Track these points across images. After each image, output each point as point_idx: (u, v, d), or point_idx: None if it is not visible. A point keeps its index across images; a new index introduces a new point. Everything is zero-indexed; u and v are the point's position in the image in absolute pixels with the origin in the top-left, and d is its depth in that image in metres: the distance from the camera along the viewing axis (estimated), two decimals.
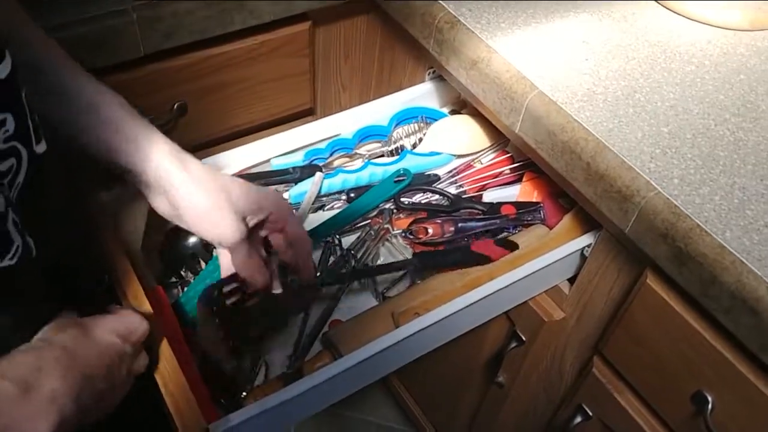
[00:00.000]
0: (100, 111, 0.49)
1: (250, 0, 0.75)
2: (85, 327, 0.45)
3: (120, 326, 0.47)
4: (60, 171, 0.50)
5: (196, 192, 0.50)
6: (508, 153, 0.83)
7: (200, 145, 0.85)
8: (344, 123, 0.81)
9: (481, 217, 0.74)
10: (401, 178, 0.76)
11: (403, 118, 0.84)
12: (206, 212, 0.51)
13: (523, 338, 0.79)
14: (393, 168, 0.77)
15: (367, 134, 0.82)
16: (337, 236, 0.73)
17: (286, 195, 0.75)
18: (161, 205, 0.52)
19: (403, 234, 0.74)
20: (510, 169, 0.82)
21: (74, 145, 0.50)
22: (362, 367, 0.59)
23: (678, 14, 0.78)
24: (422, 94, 0.87)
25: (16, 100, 0.40)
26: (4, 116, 0.39)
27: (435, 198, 0.77)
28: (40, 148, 0.43)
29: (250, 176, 0.73)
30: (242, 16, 0.75)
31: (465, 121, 0.84)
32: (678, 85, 0.69)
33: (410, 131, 0.84)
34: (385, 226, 0.74)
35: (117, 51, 0.70)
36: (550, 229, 0.72)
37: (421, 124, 0.84)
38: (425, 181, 0.79)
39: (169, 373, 0.51)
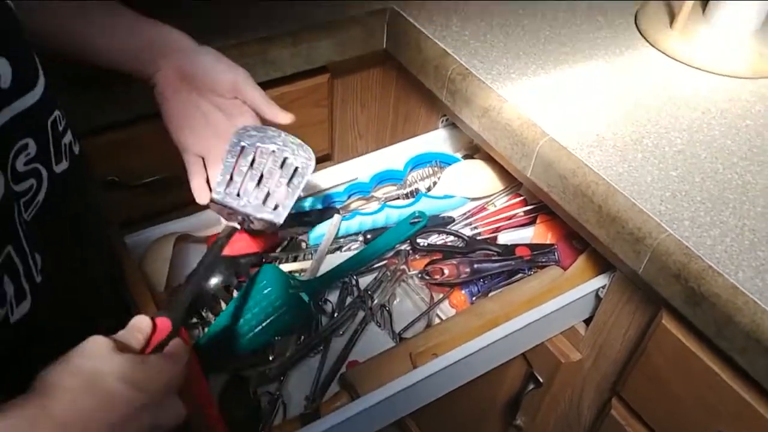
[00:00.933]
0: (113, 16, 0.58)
1: (272, 53, 0.79)
2: (86, 376, 0.38)
3: (136, 373, 0.40)
4: (88, 210, 0.52)
5: (207, 48, 0.60)
6: (521, 196, 0.85)
7: None
8: (361, 168, 0.84)
9: (497, 258, 0.75)
10: (417, 220, 0.78)
11: (417, 162, 0.86)
12: (219, 57, 0.60)
13: (541, 380, 0.79)
14: (409, 210, 0.79)
15: (383, 178, 0.84)
16: (355, 277, 0.75)
17: (304, 237, 0.77)
18: (169, 70, 0.58)
19: (419, 275, 0.75)
20: (523, 211, 0.83)
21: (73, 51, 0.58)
22: (380, 408, 0.60)
23: (682, 63, 0.81)
24: (436, 140, 0.90)
25: (40, 126, 0.43)
26: (26, 141, 0.41)
27: (450, 239, 0.79)
28: (61, 167, 0.45)
29: None
30: (265, 69, 0.79)
31: (478, 165, 0.86)
32: (685, 131, 0.71)
33: (425, 175, 0.86)
34: (402, 267, 0.76)
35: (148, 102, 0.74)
36: (565, 270, 0.73)
37: (436, 168, 0.86)
38: (440, 223, 0.81)
39: (189, 413, 0.52)
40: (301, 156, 0.60)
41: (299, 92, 0.86)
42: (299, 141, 0.60)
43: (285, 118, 0.60)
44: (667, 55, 0.82)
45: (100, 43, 0.58)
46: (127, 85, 0.67)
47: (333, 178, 0.82)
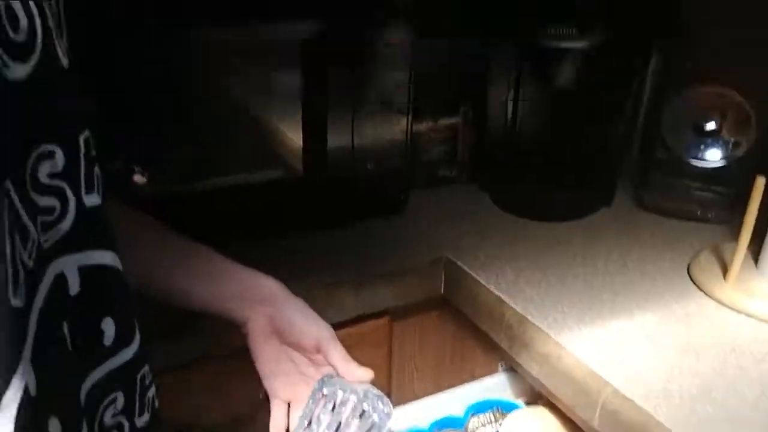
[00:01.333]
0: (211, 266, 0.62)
1: (337, 299, 0.85)
2: None
3: None
4: None
5: (296, 298, 0.63)
6: None
7: None
8: (420, 413, 0.83)
9: None
10: None
11: (478, 408, 0.85)
12: (307, 313, 0.63)
13: None
14: None
15: (442, 425, 0.83)
16: None
17: None
18: (261, 319, 0.62)
19: None
20: None
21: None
22: None
23: (740, 313, 0.81)
24: (496, 385, 0.89)
25: (131, 381, 0.46)
26: (116, 394, 0.44)
27: None
28: (142, 419, 0.47)
29: None
30: (330, 314, 0.84)
31: (541, 413, 0.84)
32: (755, 383, 0.68)
33: (485, 421, 0.84)
34: None
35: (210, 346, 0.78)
36: None
37: (497, 414, 0.84)
38: None
39: None
40: (380, 409, 0.61)
41: (360, 334, 0.90)
42: (380, 393, 0.62)
43: (363, 375, 0.62)
44: (724, 305, 0.83)
45: (194, 288, 0.61)
46: (189, 329, 0.72)
47: (392, 424, 0.81)
